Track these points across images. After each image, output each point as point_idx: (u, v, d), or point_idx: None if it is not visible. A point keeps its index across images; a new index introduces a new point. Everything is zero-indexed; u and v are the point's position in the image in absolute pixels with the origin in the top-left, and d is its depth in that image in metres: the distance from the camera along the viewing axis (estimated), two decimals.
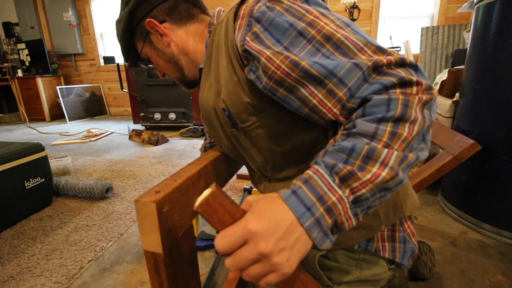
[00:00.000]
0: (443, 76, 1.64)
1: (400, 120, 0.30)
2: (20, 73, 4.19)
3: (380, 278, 0.50)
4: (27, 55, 4.14)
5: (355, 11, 3.54)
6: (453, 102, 1.38)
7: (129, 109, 4.36)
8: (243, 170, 1.92)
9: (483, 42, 1.10)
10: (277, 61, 0.36)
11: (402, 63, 0.33)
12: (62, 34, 4.31)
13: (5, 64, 4.19)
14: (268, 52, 0.37)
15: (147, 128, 3.32)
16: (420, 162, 0.33)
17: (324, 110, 0.36)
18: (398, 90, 0.31)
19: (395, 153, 0.30)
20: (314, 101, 0.36)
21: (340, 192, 0.30)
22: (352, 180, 0.29)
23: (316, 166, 0.32)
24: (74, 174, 1.93)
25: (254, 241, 0.27)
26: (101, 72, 4.51)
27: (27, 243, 1.17)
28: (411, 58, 0.34)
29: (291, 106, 0.40)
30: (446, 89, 1.56)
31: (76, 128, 3.56)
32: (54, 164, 1.84)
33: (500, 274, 0.93)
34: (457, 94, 1.42)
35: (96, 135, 3.03)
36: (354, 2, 3.52)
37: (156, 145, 2.63)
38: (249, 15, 0.40)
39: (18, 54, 4.21)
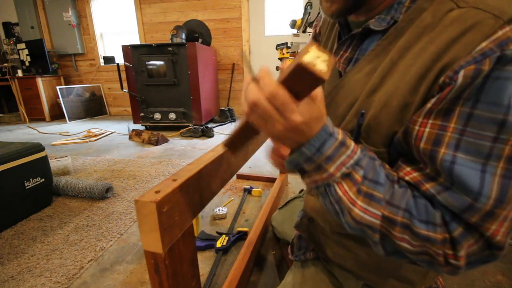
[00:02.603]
0: None
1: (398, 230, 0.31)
2: (20, 73, 4.19)
3: None
4: (27, 55, 4.13)
5: None
6: None
7: (129, 109, 4.37)
8: (243, 170, 1.92)
9: None
10: (441, 149, 0.30)
11: (497, 245, 0.29)
12: (62, 34, 4.31)
13: (5, 64, 4.18)
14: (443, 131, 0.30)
15: (147, 128, 3.32)
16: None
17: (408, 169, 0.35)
18: (447, 247, 0.30)
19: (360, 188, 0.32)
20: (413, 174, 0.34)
21: (337, 176, 0.32)
22: (348, 181, 0.33)
23: (359, 148, 0.33)
24: (74, 174, 1.93)
25: (281, 120, 0.28)
26: (101, 72, 4.51)
27: (27, 243, 1.17)
28: None
29: (399, 146, 0.36)
30: None
31: (76, 128, 3.56)
32: (54, 164, 1.84)
33: (500, 274, 0.93)
34: None
35: (96, 135, 3.03)
36: None
37: (156, 145, 2.63)
38: (500, 44, 0.27)
39: (18, 54, 4.20)
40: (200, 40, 3.59)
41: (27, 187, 1.36)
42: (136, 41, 4.22)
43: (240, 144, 0.39)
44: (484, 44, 0.27)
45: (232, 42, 3.92)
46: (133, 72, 3.13)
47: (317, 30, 0.59)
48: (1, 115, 4.37)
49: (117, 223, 1.30)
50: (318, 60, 0.24)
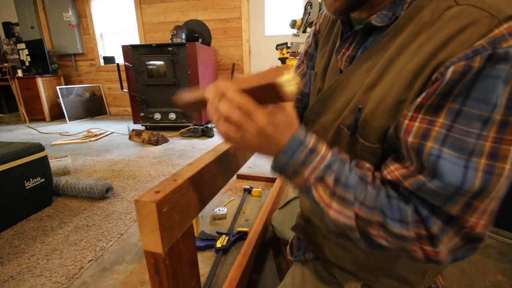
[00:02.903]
0: None
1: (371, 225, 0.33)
2: (20, 73, 4.19)
3: None
4: (27, 55, 4.13)
5: None
6: None
7: (129, 109, 4.36)
8: (243, 170, 1.92)
9: None
10: (425, 141, 0.30)
11: (477, 237, 0.30)
12: (62, 34, 4.31)
13: (5, 64, 4.18)
14: (436, 127, 0.30)
15: (147, 128, 3.32)
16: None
17: (392, 167, 0.35)
18: (425, 244, 0.31)
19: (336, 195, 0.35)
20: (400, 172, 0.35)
21: (312, 180, 0.35)
22: (322, 185, 0.35)
23: (329, 154, 0.35)
24: (74, 174, 1.93)
25: (249, 125, 0.31)
26: (101, 72, 4.51)
27: (27, 243, 1.17)
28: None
29: (391, 142, 0.36)
30: None
31: (76, 128, 3.56)
32: (54, 164, 1.84)
33: (500, 274, 0.93)
34: None
35: (96, 135, 3.03)
36: None
37: (156, 145, 2.63)
38: (493, 41, 0.27)
39: (18, 54, 4.20)
40: (200, 40, 3.59)
41: (27, 187, 1.36)
42: (136, 41, 4.22)
43: (192, 110, 0.43)
44: (479, 42, 0.28)
45: (232, 42, 3.92)
46: (133, 72, 3.13)
47: (317, 28, 0.59)
48: (1, 115, 4.37)
49: (117, 223, 1.30)
50: (289, 83, 0.28)
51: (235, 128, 0.32)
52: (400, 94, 0.33)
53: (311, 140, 0.35)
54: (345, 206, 0.34)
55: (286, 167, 0.35)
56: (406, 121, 0.32)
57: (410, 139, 0.31)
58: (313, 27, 0.60)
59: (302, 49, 0.66)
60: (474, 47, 0.28)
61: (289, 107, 0.33)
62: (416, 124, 0.31)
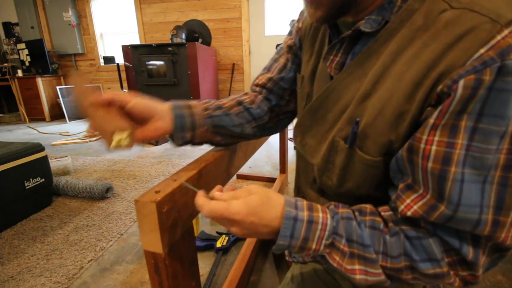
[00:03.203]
0: None
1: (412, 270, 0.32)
2: (20, 73, 4.19)
3: None
4: (27, 55, 4.13)
5: None
6: None
7: None
8: (243, 170, 1.92)
9: None
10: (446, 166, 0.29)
11: (507, 248, 0.30)
12: (62, 34, 4.31)
13: (5, 64, 4.18)
14: (456, 149, 0.28)
15: None
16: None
17: (406, 201, 0.33)
18: (460, 270, 0.31)
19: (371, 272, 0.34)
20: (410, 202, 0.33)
21: (322, 249, 0.34)
22: (336, 251, 0.34)
23: (328, 217, 0.35)
24: (74, 174, 1.93)
25: (232, 223, 0.33)
26: (101, 72, 4.51)
27: (27, 243, 1.17)
28: None
29: (401, 164, 0.34)
30: None
31: (76, 128, 3.56)
32: (54, 164, 1.84)
33: (500, 274, 0.93)
34: None
35: (96, 135, 3.03)
36: None
37: (156, 145, 2.63)
38: (501, 53, 0.25)
39: (18, 54, 4.20)
40: (200, 40, 3.59)
41: (27, 187, 1.36)
42: (136, 41, 4.22)
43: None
44: (482, 50, 0.26)
45: (232, 42, 3.92)
46: (133, 72, 3.13)
47: (300, 25, 0.55)
48: (1, 115, 4.37)
49: (117, 223, 1.30)
50: (118, 146, 0.41)
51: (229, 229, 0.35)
52: (401, 106, 0.32)
53: (304, 210, 0.34)
54: (369, 265, 0.33)
55: (291, 248, 0.34)
56: (422, 145, 0.30)
57: (430, 164, 0.29)
58: (296, 24, 0.57)
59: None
60: (482, 59, 0.26)
61: (254, 189, 0.34)
62: (434, 148, 0.29)
